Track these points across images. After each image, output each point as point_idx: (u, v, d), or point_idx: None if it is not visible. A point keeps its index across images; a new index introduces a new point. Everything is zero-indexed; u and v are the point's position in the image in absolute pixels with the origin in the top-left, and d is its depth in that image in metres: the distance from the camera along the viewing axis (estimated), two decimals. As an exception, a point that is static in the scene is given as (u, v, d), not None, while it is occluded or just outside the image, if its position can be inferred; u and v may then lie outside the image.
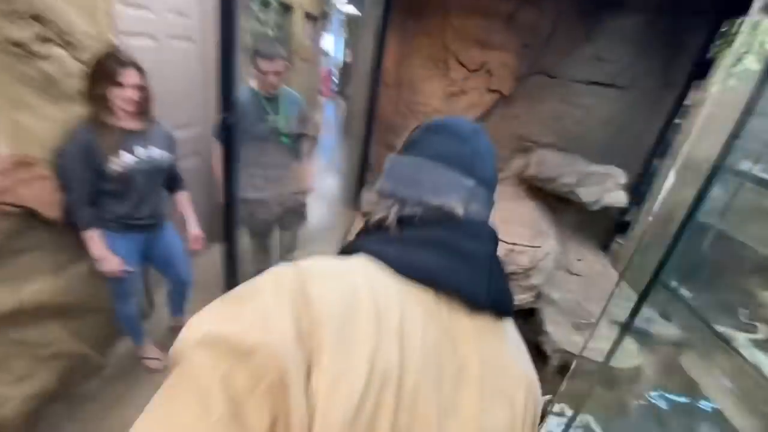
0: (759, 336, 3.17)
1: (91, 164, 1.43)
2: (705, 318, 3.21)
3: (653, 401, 1.84)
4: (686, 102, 2.19)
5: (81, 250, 1.69)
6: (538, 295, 1.63)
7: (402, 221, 0.48)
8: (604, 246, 2.30)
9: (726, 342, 2.90)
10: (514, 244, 1.73)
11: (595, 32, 2.17)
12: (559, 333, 1.43)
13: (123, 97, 1.41)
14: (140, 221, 1.64)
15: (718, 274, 3.55)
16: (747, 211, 3.20)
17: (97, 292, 1.78)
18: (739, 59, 1.98)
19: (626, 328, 1.22)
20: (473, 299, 0.44)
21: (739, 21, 1.73)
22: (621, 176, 2.04)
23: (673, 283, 3.50)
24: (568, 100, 2.24)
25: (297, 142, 2.12)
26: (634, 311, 1.23)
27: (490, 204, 0.55)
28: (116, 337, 2.01)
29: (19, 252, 1.43)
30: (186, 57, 2.34)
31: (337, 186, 4.23)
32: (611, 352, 1.20)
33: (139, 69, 1.44)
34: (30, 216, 1.40)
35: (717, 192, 3.47)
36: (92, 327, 1.81)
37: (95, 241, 1.51)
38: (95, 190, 1.48)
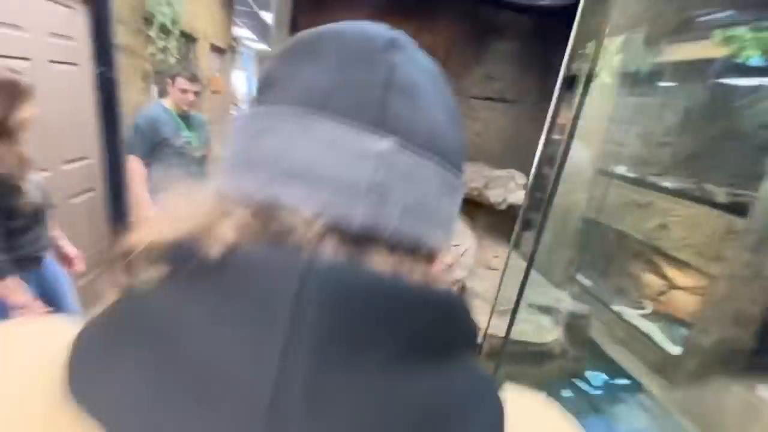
0: (647, 311, 3.70)
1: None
2: (604, 300, 3.66)
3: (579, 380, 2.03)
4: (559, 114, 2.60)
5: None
6: (463, 289, 1.74)
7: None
8: (515, 244, 2.56)
9: (620, 317, 3.32)
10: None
11: (483, 55, 2.47)
12: (484, 321, 1.54)
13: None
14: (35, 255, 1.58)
15: (609, 261, 4.10)
16: (622, 206, 3.79)
17: None
18: (595, 75, 2.42)
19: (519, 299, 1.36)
20: None
21: (591, 43, 2.14)
22: (520, 178, 2.30)
23: (579, 276, 3.96)
24: (468, 114, 2.49)
25: (203, 165, 2.22)
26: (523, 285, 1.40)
27: (443, 200, 0.28)
28: None
29: None
30: (71, 81, 2.14)
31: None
32: (511, 322, 1.32)
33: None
34: None
35: (599, 192, 4.05)
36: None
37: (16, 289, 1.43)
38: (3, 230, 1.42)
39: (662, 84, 3.47)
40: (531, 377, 1.50)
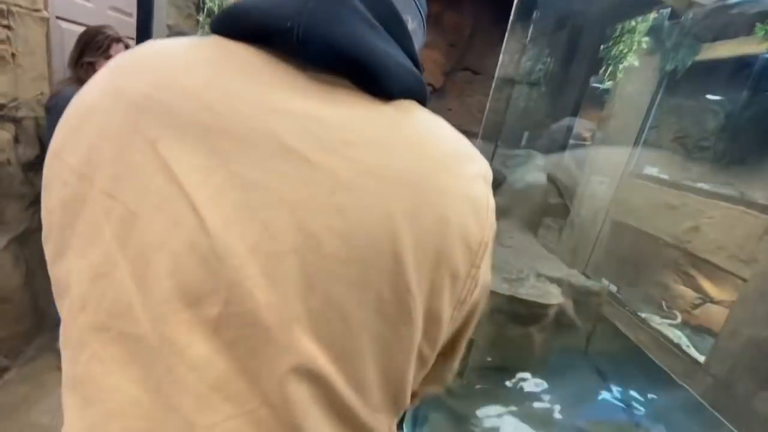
0: (677, 322, 3.50)
1: None
2: (631, 307, 3.48)
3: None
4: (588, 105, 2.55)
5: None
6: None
7: None
8: (533, 228, 2.53)
9: (646, 323, 3.16)
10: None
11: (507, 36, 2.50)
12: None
13: None
14: None
15: (637, 266, 3.91)
16: (652, 208, 3.63)
17: (8, 281, 1.62)
18: (623, 57, 2.38)
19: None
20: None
21: (620, 25, 2.11)
22: (540, 159, 2.29)
23: (604, 281, 3.80)
24: (489, 94, 2.52)
25: None
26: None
27: None
28: (27, 340, 1.80)
29: None
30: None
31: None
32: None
33: (126, 45, 1.66)
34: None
35: (628, 193, 3.91)
36: (-3, 320, 1.62)
37: None
38: None
39: (700, 82, 3.34)
40: (538, 343, 1.48)
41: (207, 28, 3.41)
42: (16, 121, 1.61)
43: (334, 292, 0.28)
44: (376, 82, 0.30)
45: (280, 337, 0.28)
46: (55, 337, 1.94)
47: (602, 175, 3.36)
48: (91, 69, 1.63)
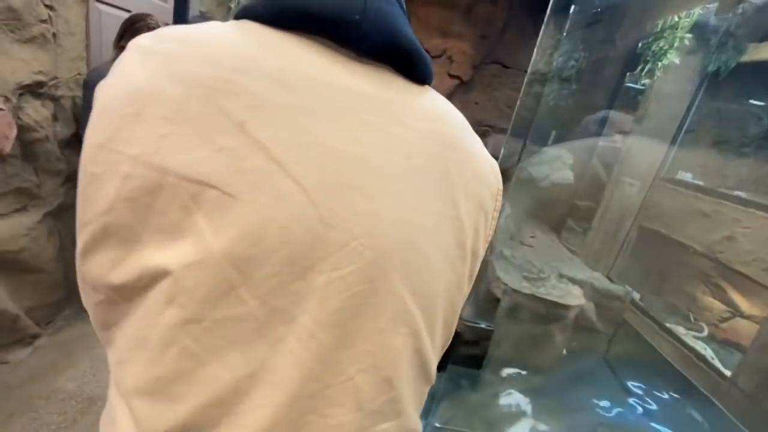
0: (703, 334, 3.37)
1: None
2: (655, 317, 3.36)
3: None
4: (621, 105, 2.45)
5: (33, 201, 1.63)
6: (490, 249, 1.72)
7: None
8: (557, 229, 2.46)
9: (671, 334, 3.05)
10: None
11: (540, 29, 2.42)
12: (509, 279, 1.51)
13: None
14: None
15: (664, 275, 3.77)
16: (684, 215, 3.49)
17: (42, 253, 1.69)
18: (663, 54, 2.27)
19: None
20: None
21: (661, 21, 2.01)
22: (568, 157, 2.22)
23: (627, 288, 3.68)
24: (520, 89, 2.45)
25: None
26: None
27: None
28: (58, 309, 1.88)
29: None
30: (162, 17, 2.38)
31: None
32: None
33: None
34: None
35: (658, 198, 3.76)
36: (32, 290, 1.70)
37: None
38: None
39: (744, 84, 3.16)
40: (558, 343, 1.45)
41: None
42: (55, 100, 1.67)
43: (420, 242, 0.33)
44: (417, 70, 0.35)
45: (382, 290, 0.31)
46: (84, 309, 2.06)
47: (633, 177, 3.24)
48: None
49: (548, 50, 2.36)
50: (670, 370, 2.47)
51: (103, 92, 0.31)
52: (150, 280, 0.29)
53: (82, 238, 0.32)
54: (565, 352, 1.49)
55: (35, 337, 1.74)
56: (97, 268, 0.31)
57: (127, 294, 0.31)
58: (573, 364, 1.69)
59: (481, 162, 0.39)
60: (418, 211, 0.33)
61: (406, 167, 0.33)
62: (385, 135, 0.32)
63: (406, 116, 0.34)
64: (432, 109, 0.36)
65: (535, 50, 1.70)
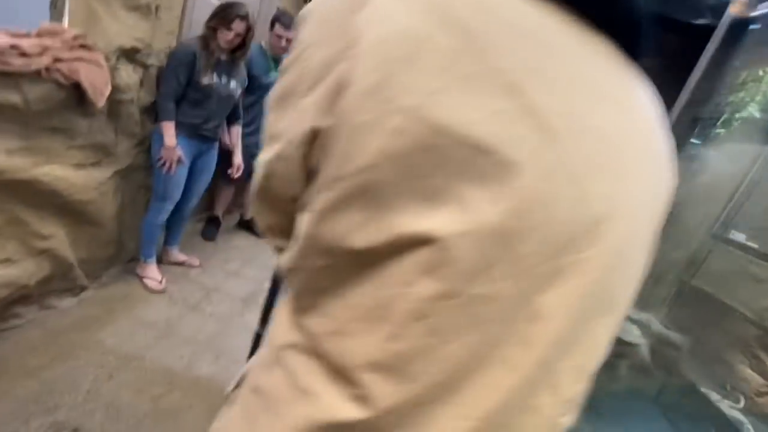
0: (739, 406, 3.16)
1: (190, 71, 1.80)
2: (691, 380, 3.16)
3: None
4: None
5: (108, 157, 1.70)
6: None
7: None
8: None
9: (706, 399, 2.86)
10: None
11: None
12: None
13: (226, 38, 1.83)
14: (205, 132, 1.96)
15: (704, 335, 3.57)
16: (734, 276, 3.32)
17: (106, 208, 1.75)
18: (742, 107, 2.19)
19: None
20: None
21: (745, 73, 1.95)
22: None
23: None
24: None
25: None
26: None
27: None
28: (106, 266, 1.94)
29: (52, 130, 1.44)
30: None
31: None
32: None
33: (249, 25, 1.86)
34: (75, 97, 1.43)
35: (706, 256, 3.59)
36: (88, 242, 1.76)
37: (171, 131, 1.81)
38: (182, 93, 1.84)
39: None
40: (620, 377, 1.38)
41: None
42: (145, 67, 1.76)
43: (645, 230, 0.34)
44: (638, 46, 0.33)
45: (616, 279, 0.31)
46: (128, 270, 2.06)
47: (683, 233, 3.13)
48: (212, 33, 1.83)
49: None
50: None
51: (366, 28, 0.27)
52: (403, 246, 0.26)
53: (329, 195, 0.28)
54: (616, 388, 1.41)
55: (83, 289, 1.80)
56: (340, 229, 0.28)
57: (369, 259, 0.28)
58: (625, 402, 1.61)
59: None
60: (650, 196, 0.33)
61: (646, 151, 0.32)
62: (623, 108, 0.31)
63: (634, 89, 0.33)
64: (643, 89, 0.35)
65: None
